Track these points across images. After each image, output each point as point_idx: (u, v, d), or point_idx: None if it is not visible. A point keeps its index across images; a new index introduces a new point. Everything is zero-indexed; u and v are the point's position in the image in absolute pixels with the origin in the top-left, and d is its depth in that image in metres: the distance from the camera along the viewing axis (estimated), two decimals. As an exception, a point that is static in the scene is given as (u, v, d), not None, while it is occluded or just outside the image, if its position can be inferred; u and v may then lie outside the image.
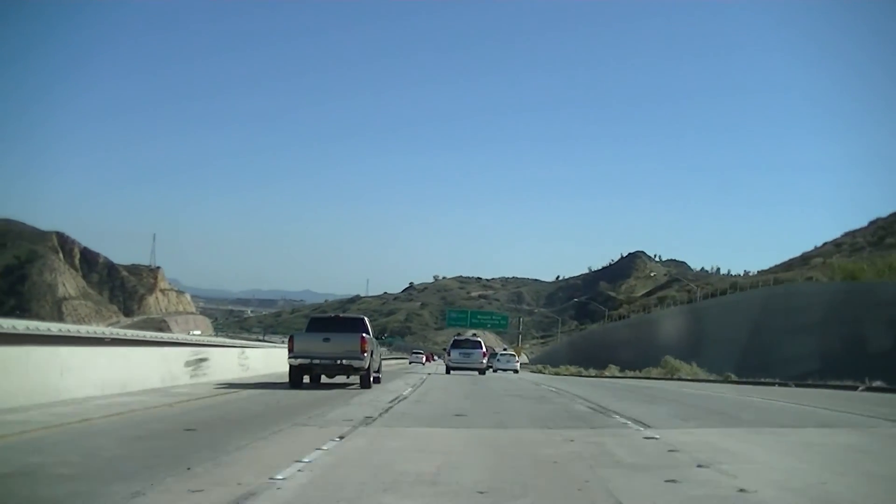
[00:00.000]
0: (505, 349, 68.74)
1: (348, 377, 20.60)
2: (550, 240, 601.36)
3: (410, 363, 78.71)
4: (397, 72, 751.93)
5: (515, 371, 49.94)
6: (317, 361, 19.02)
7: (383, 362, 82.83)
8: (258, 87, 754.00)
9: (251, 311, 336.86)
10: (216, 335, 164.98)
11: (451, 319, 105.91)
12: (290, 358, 19.15)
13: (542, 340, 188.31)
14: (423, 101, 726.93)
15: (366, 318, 21.47)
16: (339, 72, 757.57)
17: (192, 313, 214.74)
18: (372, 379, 20.31)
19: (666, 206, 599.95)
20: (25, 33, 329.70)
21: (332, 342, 19.06)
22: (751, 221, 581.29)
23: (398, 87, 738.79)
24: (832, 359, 28.80)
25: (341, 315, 26.30)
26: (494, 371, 48.79)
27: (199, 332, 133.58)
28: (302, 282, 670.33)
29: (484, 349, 38.15)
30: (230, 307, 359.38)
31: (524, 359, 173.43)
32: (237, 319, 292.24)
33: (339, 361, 18.96)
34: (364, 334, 19.44)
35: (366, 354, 18.96)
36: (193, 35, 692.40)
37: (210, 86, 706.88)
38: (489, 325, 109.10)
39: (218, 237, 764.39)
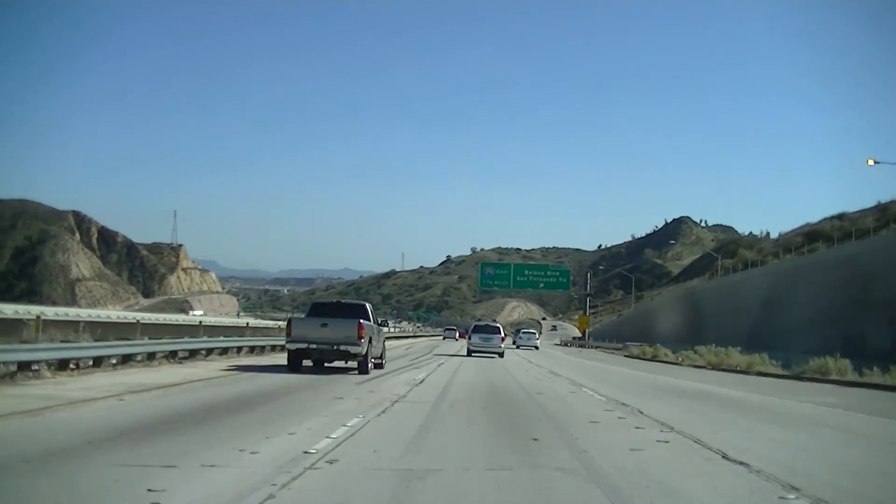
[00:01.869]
0: (533, 330, 67.61)
1: (346, 362, 19.67)
2: (591, 208, 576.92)
3: (444, 339, 74.66)
4: (429, 42, 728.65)
5: (536, 347, 53.72)
6: (314, 346, 18.51)
7: (420, 339, 73.50)
8: (278, 66, 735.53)
9: (287, 291, 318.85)
10: (239, 315, 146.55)
11: (487, 279, 74.00)
12: (287, 343, 18.88)
13: (591, 311, 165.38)
14: (458, 72, 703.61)
15: (367, 305, 20.99)
16: (367, 45, 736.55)
17: (216, 293, 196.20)
18: (372, 365, 19.42)
19: (709, 172, 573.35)
20: (38, 10, 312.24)
21: (330, 327, 18.45)
22: (792, 184, 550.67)
23: (427, 60, 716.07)
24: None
25: (342, 301, 24.62)
26: (518, 347, 52.69)
27: (201, 313, 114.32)
28: (340, 260, 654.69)
29: (502, 334, 38.93)
30: (267, 287, 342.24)
31: (573, 331, 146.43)
32: (270, 299, 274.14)
33: (335, 347, 18.30)
34: (362, 320, 18.62)
35: (363, 340, 18.33)
36: (215, 8, 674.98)
37: (227, 62, 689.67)
38: (542, 285, 75.24)
39: (255, 218, 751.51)
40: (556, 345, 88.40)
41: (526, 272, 75.66)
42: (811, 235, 56.42)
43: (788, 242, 61.01)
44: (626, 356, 48.70)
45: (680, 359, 36.98)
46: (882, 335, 27.59)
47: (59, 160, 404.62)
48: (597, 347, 71.07)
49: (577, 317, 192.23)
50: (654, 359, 41.81)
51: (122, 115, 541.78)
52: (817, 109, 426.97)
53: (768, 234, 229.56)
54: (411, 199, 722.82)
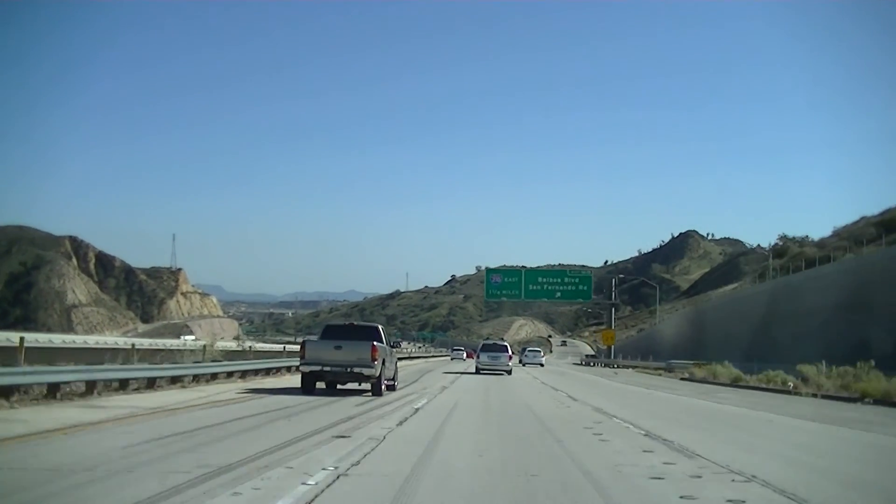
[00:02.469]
0: (538, 349, 68.82)
1: (360, 384, 19.34)
2: (596, 224, 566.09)
3: (452, 359, 71.72)
4: (427, 58, 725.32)
5: (541, 365, 54.69)
6: (328, 369, 18.23)
7: (416, 360, 65.61)
8: (275, 83, 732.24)
9: (292, 314, 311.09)
10: (239, 339, 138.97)
11: (494, 288, 65.83)
12: (301, 365, 18.67)
13: (602, 328, 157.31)
14: (459, 87, 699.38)
15: (380, 327, 20.63)
16: (365, 60, 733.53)
17: (217, 316, 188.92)
18: (385, 387, 18.94)
19: (715, 186, 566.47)
20: (30, 32, 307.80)
21: (344, 350, 18.21)
22: (799, 196, 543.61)
23: (428, 76, 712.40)
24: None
25: (355, 323, 24.75)
26: (524, 365, 52.82)
27: (192, 338, 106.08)
28: (346, 282, 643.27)
29: (510, 353, 39.23)
30: (271, 310, 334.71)
31: (584, 349, 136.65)
32: (275, 322, 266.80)
33: (349, 369, 18.07)
34: (375, 343, 18.33)
35: (376, 363, 17.97)
36: (208, 28, 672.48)
37: (223, 80, 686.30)
38: (559, 294, 66.27)
39: (260, 242, 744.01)
40: (577, 364, 78.63)
41: (539, 279, 66.55)
42: (888, 225, 48.10)
43: (856, 234, 52.52)
44: (682, 379, 37.31)
45: (792, 385, 25.59)
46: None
47: (58, 185, 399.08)
48: (632, 367, 58.60)
49: (587, 333, 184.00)
50: (735, 384, 29.96)
51: (121, 138, 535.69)
52: (824, 118, 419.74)
53: (787, 237, 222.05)
54: (415, 219, 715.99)
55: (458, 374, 31.01)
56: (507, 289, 65.49)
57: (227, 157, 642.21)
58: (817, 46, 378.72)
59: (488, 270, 69.29)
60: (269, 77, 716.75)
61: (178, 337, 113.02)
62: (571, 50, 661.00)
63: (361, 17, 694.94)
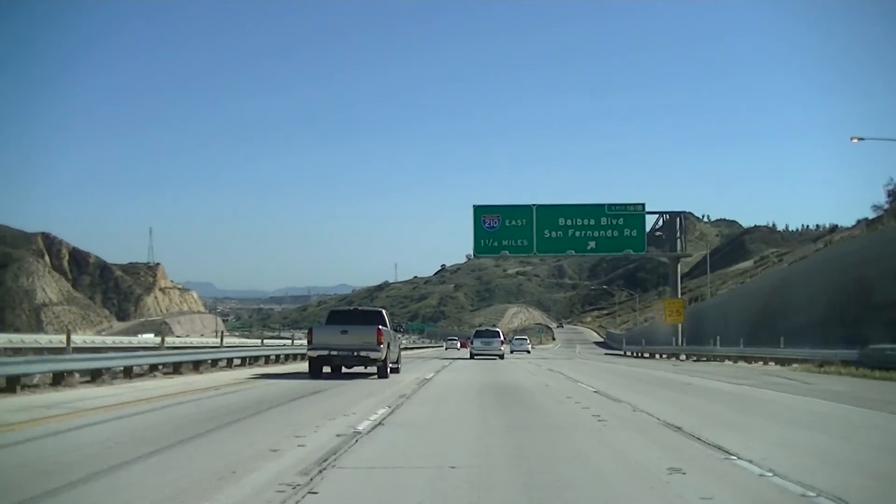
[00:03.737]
0: (524, 336, 72.85)
1: (366, 368, 19.83)
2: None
3: (446, 349, 73.22)
4: (406, 49, 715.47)
5: (528, 352, 54.63)
6: (335, 353, 18.58)
7: (417, 350, 69.39)
8: (261, 76, 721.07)
9: (280, 308, 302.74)
10: (217, 335, 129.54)
11: (486, 236, 42.89)
12: (308, 350, 18.87)
13: (604, 312, 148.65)
14: (441, 73, 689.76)
15: (384, 311, 21.11)
16: (350, 47, 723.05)
17: (198, 312, 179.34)
18: (389, 369, 19.41)
19: (708, 167, 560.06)
20: (7, 36, 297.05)
21: (350, 334, 18.56)
22: (793, 176, 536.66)
23: (406, 69, 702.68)
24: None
25: (360, 308, 24.13)
26: (512, 352, 51.52)
27: (151, 336, 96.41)
28: (336, 276, 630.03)
29: (502, 338, 39.03)
30: (261, 306, 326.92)
31: (589, 335, 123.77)
32: (262, 317, 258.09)
33: (356, 353, 18.42)
34: (381, 326, 18.82)
35: (382, 346, 18.45)
36: (185, 24, 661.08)
37: (207, 75, 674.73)
38: (592, 246, 43.84)
39: (249, 238, 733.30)
40: (615, 354, 60.55)
41: (561, 221, 42.70)
42: None
43: None
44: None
45: None
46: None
47: (48, 184, 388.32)
48: (740, 359, 33.06)
49: (588, 319, 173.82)
50: None
51: (108, 135, 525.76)
52: (818, 95, 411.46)
53: (773, 225, 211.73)
54: (404, 210, 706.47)
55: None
56: (508, 238, 43.29)
57: (215, 155, 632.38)
58: (810, 26, 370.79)
59: (477, 209, 43.72)
60: (258, 70, 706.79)
61: (137, 336, 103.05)
62: (560, 32, 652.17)
63: (342, 8, 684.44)
